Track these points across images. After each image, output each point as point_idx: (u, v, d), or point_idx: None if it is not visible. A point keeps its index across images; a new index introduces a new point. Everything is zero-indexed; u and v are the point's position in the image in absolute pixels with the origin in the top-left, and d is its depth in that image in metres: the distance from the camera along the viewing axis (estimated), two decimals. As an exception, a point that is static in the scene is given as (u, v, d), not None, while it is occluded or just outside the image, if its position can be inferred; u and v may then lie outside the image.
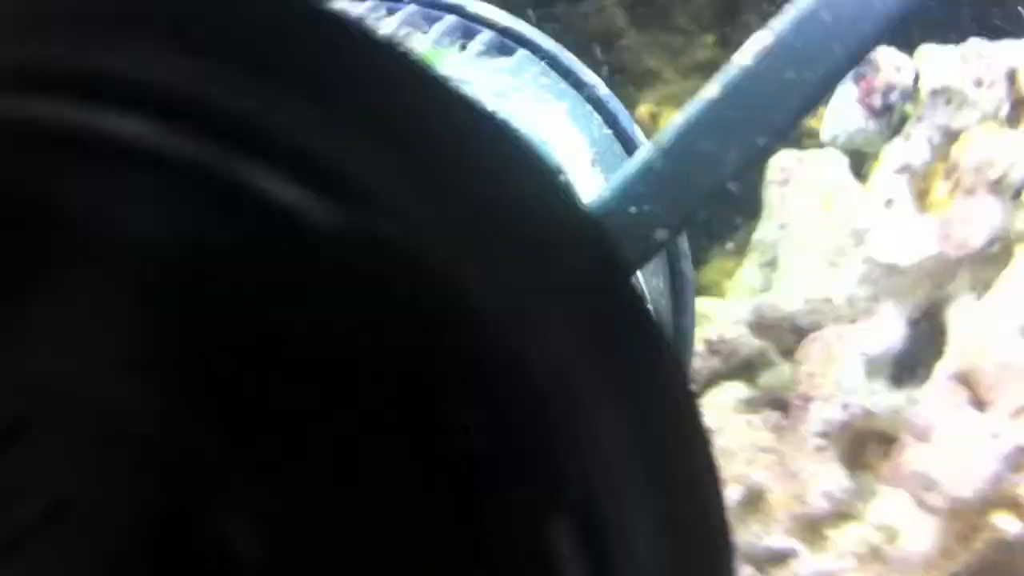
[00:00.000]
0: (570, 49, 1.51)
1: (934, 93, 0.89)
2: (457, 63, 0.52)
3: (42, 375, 0.23)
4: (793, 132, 0.89)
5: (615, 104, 0.56)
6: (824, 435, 0.85)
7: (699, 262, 1.02)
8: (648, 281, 0.46)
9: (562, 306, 0.22)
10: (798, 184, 0.95)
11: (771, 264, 0.96)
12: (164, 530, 0.23)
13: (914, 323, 0.87)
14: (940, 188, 0.89)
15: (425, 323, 0.22)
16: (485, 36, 0.54)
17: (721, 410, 0.88)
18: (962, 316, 0.85)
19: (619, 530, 0.22)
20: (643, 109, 1.41)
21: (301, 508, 0.23)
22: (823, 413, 0.86)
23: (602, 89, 0.57)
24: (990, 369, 0.81)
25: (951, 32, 0.92)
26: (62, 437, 0.23)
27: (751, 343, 0.91)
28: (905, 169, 0.89)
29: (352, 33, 0.21)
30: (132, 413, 0.23)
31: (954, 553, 0.81)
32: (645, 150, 0.37)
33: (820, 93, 0.39)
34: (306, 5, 0.21)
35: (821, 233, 0.92)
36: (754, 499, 0.85)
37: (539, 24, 1.47)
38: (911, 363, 0.87)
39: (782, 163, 0.96)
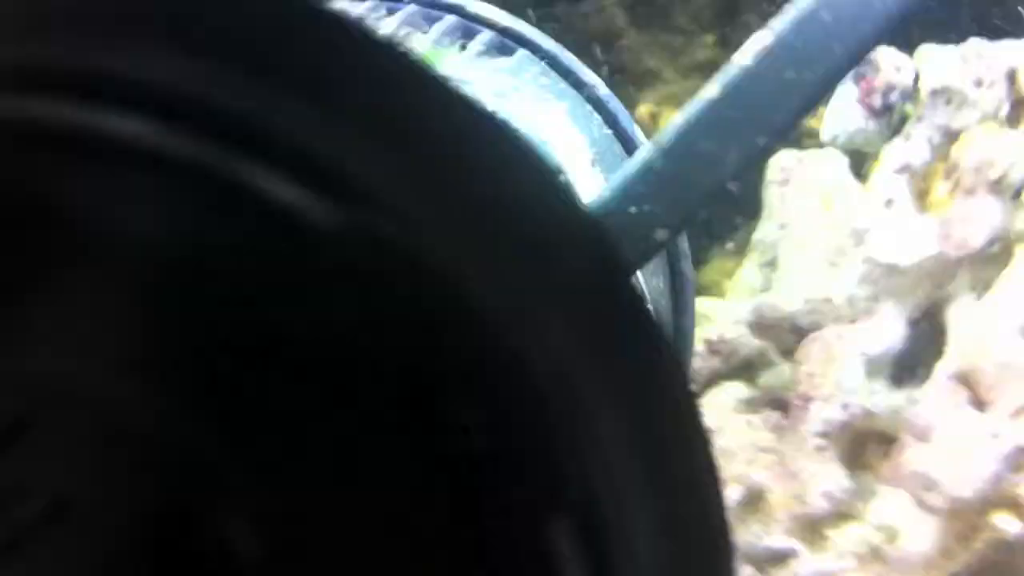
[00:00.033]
0: (570, 49, 1.51)
1: (934, 93, 0.89)
2: (457, 63, 0.52)
3: (42, 375, 0.23)
4: (793, 132, 0.89)
5: (615, 104, 0.56)
6: (824, 435, 0.85)
7: (699, 262, 1.02)
8: (648, 281, 0.46)
9: (562, 306, 0.22)
10: (798, 184, 0.95)
11: (771, 264, 0.96)
12: (164, 530, 0.23)
13: (914, 323, 0.87)
14: (940, 188, 0.89)
15: (425, 323, 0.22)
16: (485, 36, 0.54)
17: (721, 410, 0.88)
18: (962, 316, 0.85)
19: (619, 530, 0.22)
20: (643, 109, 1.41)
21: (301, 508, 0.23)
22: (823, 413, 0.86)
23: (602, 89, 0.57)
24: (990, 369, 0.81)
25: (951, 32, 0.92)
26: (62, 437, 0.23)
27: (751, 343, 0.91)
28: (905, 169, 0.89)
29: (352, 33, 0.21)
30: (132, 413, 0.23)
31: (954, 553, 0.81)
32: (645, 150, 0.37)
33: (820, 93, 0.39)
34: (306, 5, 0.21)
35: (821, 233, 0.92)
36: (754, 499, 0.85)
37: (539, 24, 1.46)
38: (911, 363, 0.87)
39: (782, 163, 0.96)
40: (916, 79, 0.91)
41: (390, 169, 0.22)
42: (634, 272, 0.39)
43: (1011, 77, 0.88)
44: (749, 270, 0.97)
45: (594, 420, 0.22)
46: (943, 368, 0.84)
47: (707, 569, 0.22)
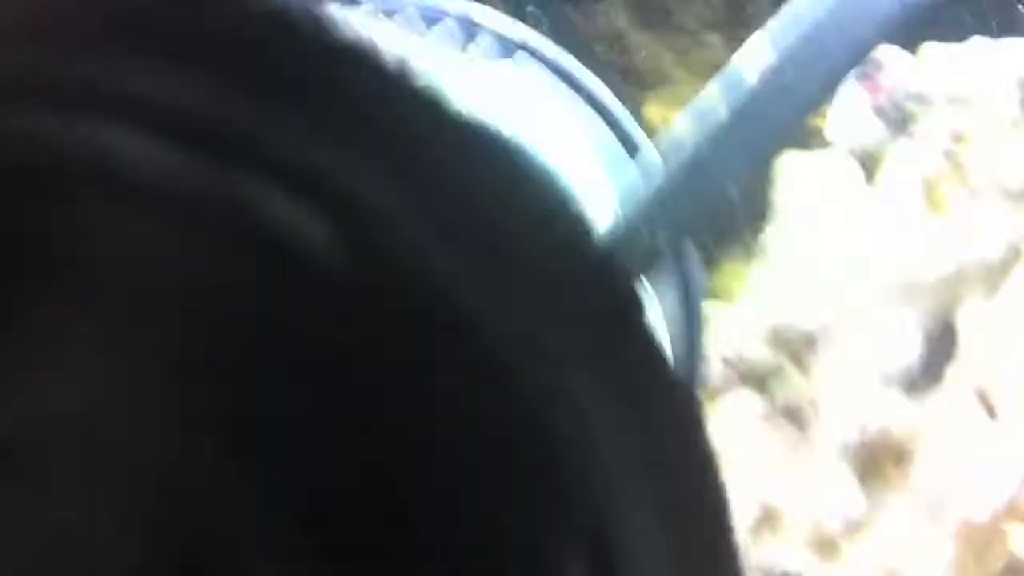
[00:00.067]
0: (576, 50, 1.51)
1: (941, 93, 0.89)
2: (458, 66, 0.52)
3: (41, 408, 0.23)
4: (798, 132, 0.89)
5: (617, 106, 0.56)
6: (837, 447, 0.85)
7: (709, 265, 1.01)
8: (660, 297, 0.46)
9: (576, 344, 0.22)
10: (807, 186, 0.94)
11: (782, 269, 0.95)
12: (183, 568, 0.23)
13: (928, 332, 0.86)
14: (949, 191, 0.88)
15: (435, 363, 0.22)
16: (485, 39, 0.55)
17: (733, 421, 0.87)
18: (976, 325, 0.84)
19: (630, 557, 0.22)
20: (651, 110, 1.40)
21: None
22: (836, 424, 0.85)
23: (604, 91, 0.57)
24: (1005, 379, 0.81)
25: (958, 30, 0.92)
26: (65, 467, 0.23)
27: (763, 352, 0.90)
28: (913, 171, 0.88)
29: (361, 58, 0.21)
30: (144, 448, 0.23)
31: (969, 569, 0.80)
32: (653, 172, 0.37)
33: (822, 95, 0.39)
34: (316, 31, 0.21)
35: (831, 237, 0.91)
36: (767, 514, 0.85)
37: (544, 25, 1.46)
38: (926, 373, 0.86)
39: (790, 164, 0.96)
40: (923, 79, 0.90)
41: (402, 203, 0.22)
42: (645, 303, 0.39)
43: (1020, 77, 0.87)
44: (760, 275, 0.97)
45: (604, 451, 0.22)
46: (958, 378, 0.83)
47: None
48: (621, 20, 1.49)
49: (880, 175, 0.91)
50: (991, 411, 0.81)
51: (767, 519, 0.85)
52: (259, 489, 0.22)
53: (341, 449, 0.23)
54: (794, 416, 0.87)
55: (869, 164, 0.93)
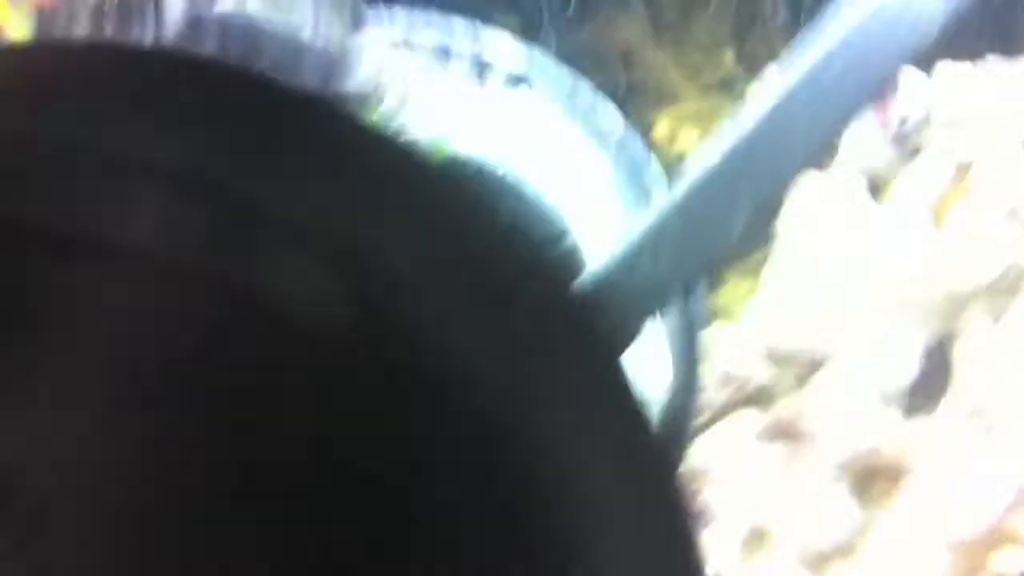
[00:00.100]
0: (588, 66, 1.51)
1: (951, 115, 0.89)
2: (475, 97, 0.53)
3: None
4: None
5: (630, 133, 0.56)
6: (835, 466, 0.85)
7: (712, 284, 1.02)
8: (662, 330, 0.47)
9: (549, 389, 0.23)
10: (814, 206, 0.95)
11: (785, 288, 0.96)
12: None
13: (928, 352, 0.87)
14: (956, 213, 0.89)
15: (430, 423, 0.23)
16: (502, 68, 0.55)
17: (733, 440, 0.88)
18: (976, 346, 0.85)
19: None
20: (661, 127, 1.41)
21: None
22: (834, 445, 0.86)
23: (617, 118, 0.58)
24: (1001, 401, 0.82)
25: (968, 49, 0.92)
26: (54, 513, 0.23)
27: (763, 371, 0.91)
28: (921, 192, 0.89)
29: (340, 120, 0.22)
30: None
31: (962, 588, 0.81)
32: (654, 210, 0.37)
33: (828, 139, 0.39)
34: (296, 92, 0.22)
35: (836, 258, 0.92)
36: (762, 531, 0.86)
37: (557, 42, 1.46)
38: (924, 393, 0.87)
39: (798, 184, 0.96)
40: (933, 100, 0.91)
41: (400, 262, 0.22)
42: (628, 346, 0.39)
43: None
44: (763, 294, 0.97)
45: (586, 502, 0.23)
46: (956, 399, 0.84)
47: None
48: (632, 36, 1.50)
49: (888, 195, 0.92)
50: (988, 432, 0.82)
51: (761, 536, 0.85)
52: (256, 544, 0.23)
53: (335, 512, 0.23)
54: (791, 434, 0.88)
55: (878, 184, 0.94)
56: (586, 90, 0.54)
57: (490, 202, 0.22)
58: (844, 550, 0.84)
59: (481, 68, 0.51)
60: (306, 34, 0.33)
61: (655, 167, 0.53)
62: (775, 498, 0.86)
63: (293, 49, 0.33)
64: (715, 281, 1.04)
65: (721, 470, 0.85)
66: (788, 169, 0.37)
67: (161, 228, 0.22)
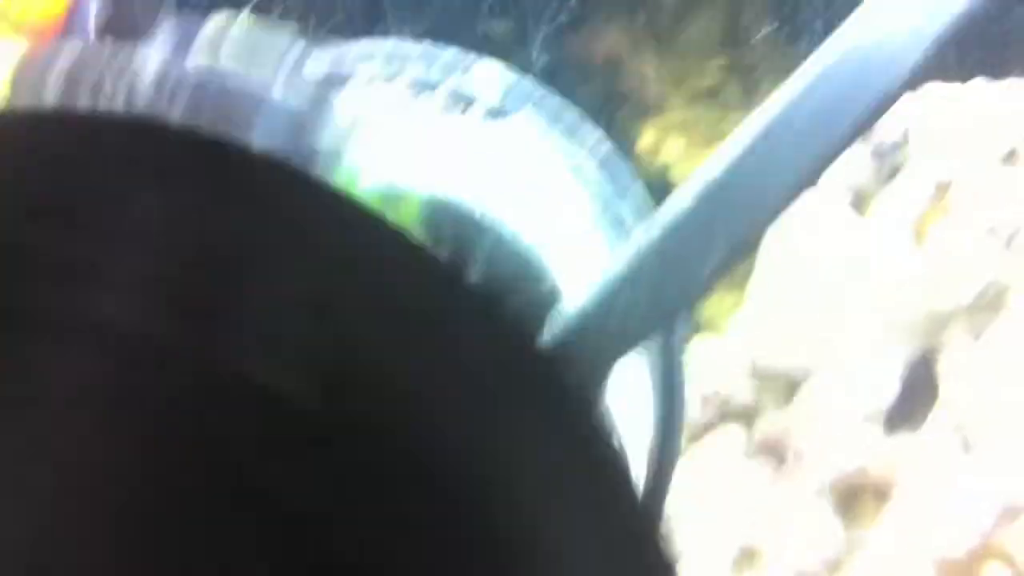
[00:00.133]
0: (574, 77, 1.51)
1: (932, 134, 0.90)
2: (455, 132, 0.52)
3: None
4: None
5: (617, 161, 0.56)
6: (818, 483, 0.86)
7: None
8: (642, 367, 0.47)
9: (525, 459, 0.23)
10: (797, 222, 0.95)
11: (769, 305, 0.96)
12: None
13: (910, 370, 0.87)
14: (936, 232, 0.89)
15: (403, 498, 0.23)
16: (487, 97, 0.55)
17: (717, 458, 0.88)
18: (957, 363, 0.85)
19: None
20: (647, 138, 1.41)
21: None
22: (818, 462, 0.86)
23: (604, 146, 0.57)
24: (983, 418, 0.82)
25: (953, 71, 0.92)
26: None
27: (747, 389, 0.91)
28: (902, 211, 0.89)
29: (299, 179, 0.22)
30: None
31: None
32: (630, 250, 0.37)
33: (806, 178, 0.39)
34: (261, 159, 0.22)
35: (818, 273, 0.92)
36: (749, 550, 0.86)
37: (544, 53, 1.46)
38: (907, 410, 0.87)
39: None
40: (916, 119, 0.91)
41: (355, 337, 0.22)
42: (603, 386, 0.39)
43: (1009, 120, 0.88)
44: (747, 308, 0.98)
45: (558, 558, 0.23)
46: (938, 416, 0.84)
47: None
48: (619, 45, 1.50)
49: (871, 214, 0.92)
50: (970, 449, 0.82)
51: (747, 555, 0.86)
52: None
53: None
54: (775, 452, 0.88)
55: (860, 202, 0.94)
56: (570, 116, 0.54)
57: (453, 260, 0.22)
58: (831, 567, 0.84)
59: (462, 100, 0.51)
60: (277, 90, 0.33)
61: (640, 191, 0.53)
62: (763, 516, 0.86)
63: (263, 105, 0.33)
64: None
65: (708, 487, 0.85)
66: (763, 211, 0.37)
67: (122, 301, 0.22)
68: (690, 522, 0.85)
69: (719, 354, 0.92)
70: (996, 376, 0.83)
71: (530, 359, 0.23)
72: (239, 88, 0.32)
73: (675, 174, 1.40)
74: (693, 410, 0.88)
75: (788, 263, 0.95)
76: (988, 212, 0.86)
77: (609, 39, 1.50)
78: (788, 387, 0.90)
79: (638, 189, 0.55)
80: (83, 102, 0.26)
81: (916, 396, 0.87)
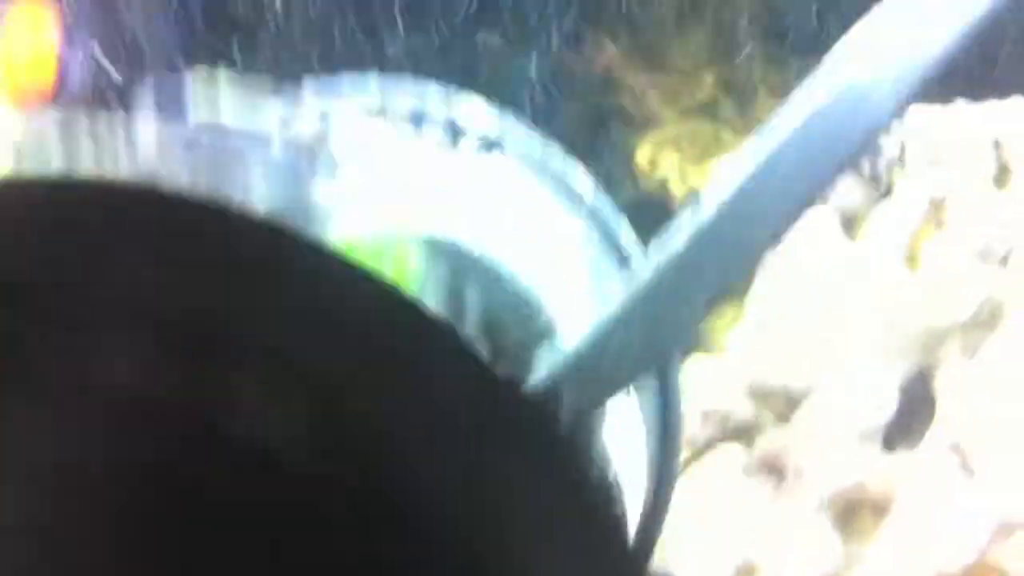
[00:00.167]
0: (569, 93, 1.51)
1: (922, 156, 0.90)
2: (449, 166, 0.53)
3: None
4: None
5: (602, 199, 0.56)
6: (817, 500, 0.86)
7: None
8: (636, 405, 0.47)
9: (516, 509, 0.23)
10: (791, 244, 0.96)
11: (767, 322, 0.96)
12: None
13: (906, 388, 0.88)
14: (929, 252, 0.89)
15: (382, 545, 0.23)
16: (476, 133, 0.55)
17: (716, 476, 0.89)
18: (953, 381, 0.86)
19: None
20: (642, 154, 1.42)
21: None
22: (816, 479, 0.86)
23: (589, 185, 0.58)
24: (980, 435, 0.82)
25: (940, 93, 0.93)
26: None
27: (745, 407, 0.92)
28: (894, 234, 0.90)
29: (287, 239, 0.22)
30: None
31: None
32: (623, 290, 0.38)
33: (792, 219, 0.39)
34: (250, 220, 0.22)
35: (813, 296, 0.93)
36: (748, 566, 0.86)
37: (540, 69, 1.46)
38: (903, 429, 0.87)
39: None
40: (904, 141, 0.92)
41: (333, 385, 0.23)
42: (592, 429, 0.40)
43: (997, 141, 0.89)
44: (744, 326, 0.98)
45: None
46: (934, 434, 0.85)
47: None
48: (612, 61, 1.51)
49: (863, 236, 0.93)
50: (966, 466, 0.82)
51: (747, 571, 0.86)
52: None
53: None
54: (775, 469, 0.89)
55: (851, 223, 0.95)
56: (557, 154, 0.55)
57: (445, 320, 0.22)
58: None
59: (455, 133, 0.52)
60: (276, 145, 0.34)
61: (627, 228, 0.53)
62: (762, 533, 0.86)
63: (261, 163, 0.33)
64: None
65: (707, 504, 0.86)
66: (752, 252, 0.37)
67: (116, 364, 0.22)
68: (690, 539, 0.85)
69: (718, 372, 0.93)
70: (993, 393, 0.84)
71: (515, 403, 0.23)
72: (237, 146, 0.32)
73: (672, 188, 1.40)
74: (692, 428, 0.89)
75: (786, 281, 0.95)
76: (982, 230, 0.87)
77: (604, 55, 1.50)
78: (787, 405, 0.90)
79: (624, 224, 0.56)
80: (83, 167, 0.26)
81: (914, 413, 0.87)
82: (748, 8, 1.44)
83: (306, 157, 0.36)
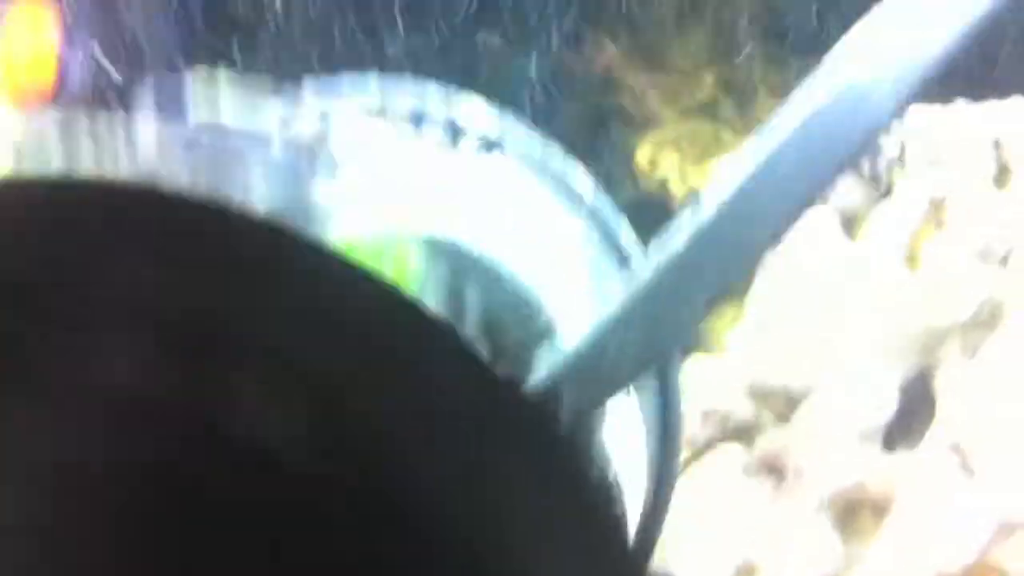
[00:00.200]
0: (569, 93, 1.51)
1: (922, 156, 0.90)
2: (450, 164, 0.53)
3: None
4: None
5: (602, 200, 0.56)
6: (818, 500, 0.86)
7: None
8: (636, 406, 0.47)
9: (516, 509, 0.23)
10: (791, 244, 0.96)
11: (765, 323, 0.96)
12: None
13: (906, 389, 0.88)
14: (929, 253, 0.90)
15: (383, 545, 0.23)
16: (476, 133, 0.55)
17: (717, 476, 0.89)
18: (953, 381, 0.86)
19: None
20: (643, 153, 1.42)
21: None
22: (817, 479, 0.86)
23: (589, 185, 0.58)
24: (980, 435, 0.82)
25: (940, 93, 0.93)
26: None
27: (746, 407, 0.92)
28: (894, 234, 0.90)
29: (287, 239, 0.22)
30: None
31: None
32: (622, 291, 0.38)
33: (791, 219, 0.39)
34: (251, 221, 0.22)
35: (813, 296, 0.93)
36: (748, 566, 0.86)
37: (540, 69, 1.46)
38: (903, 429, 0.87)
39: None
40: (904, 141, 0.92)
41: (333, 386, 0.23)
42: (592, 428, 0.40)
43: (997, 141, 0.89)
44: (744, 327, 0.98)
45: None
46: (934, 434, 0.85)
47: None
48: (612, 61, 1.51)
49: (863, 236, 0.93)
50: (966, 466, 0.82)
51: (747, 571, 0.86)
52: None
53: None
54: (775, 469, 0.89)
55: (851, 223, 0.95)
56: (557, 154, 0.55)
57: (445, 320, 0.22)
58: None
59: (455, 133, 0.52)
60: (276, 145, 0.34)
61: (627, 228, 0.53)
62: (762, 533, 0.86)
63: (261, 162, 0.33)
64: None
65: (707, 504, 0.86)
66: (751, 253, 0.37)
67: (117, 363, 0.22)
68: (690, 539, 0.85)
69: (718, 372, 0.93)
70: (993, 393, 0.84)
71: (515, 403, 0.24)
72: (237, 146, 0.33)
73: (672, 188, 1.41)
74: (692, 428, 0.89)
75: (786, 281, 0.96)
76: (982, 230, 0.87)
77: (604, 55, 1.51)
78: (787, 405, 0.90)
79: (624, 224, 0.56)
80: (83, 167, 0.26)
81: (914, 413, 0.87)
82: (748, 8, 1.44)
83: (306, 157, 0.36)
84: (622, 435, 0.42)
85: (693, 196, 0.39)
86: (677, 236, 0.36)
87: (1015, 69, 0.99)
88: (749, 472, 0.89)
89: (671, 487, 0.43)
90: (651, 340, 0.37)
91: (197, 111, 0.34)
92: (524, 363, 0.34)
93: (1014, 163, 0.89)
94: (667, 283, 0.36)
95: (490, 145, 0.52)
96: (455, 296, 0.35)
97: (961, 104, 0.91)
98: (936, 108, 0.91)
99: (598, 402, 0.37)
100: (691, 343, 0.91)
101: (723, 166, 0.38)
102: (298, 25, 1.29)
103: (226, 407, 0.23)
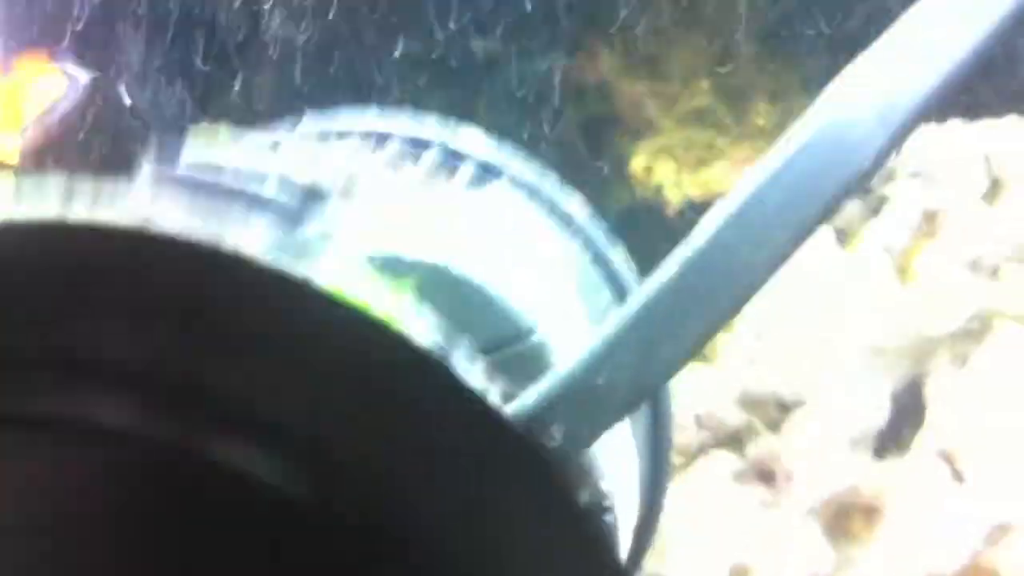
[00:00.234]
0: (565, 99, 1.50)
1: (914, 172, 0.92)
2: (445, 196, 0.53)
3: None
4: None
5: (595, 228, 0.56)
6: (809, 507, 0.87)
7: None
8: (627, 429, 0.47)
9: (515, 533, 0.24)
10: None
11: (758, 331, 0.97)
12: None
13: (897, 397, 0.89)
14: (920, 265, 0.91)
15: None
16: (469, 166, 0.55)
17: (709, 482, 0.90)
18: (943, 390, 0.87)
19: None
20: (637, 162, 1.42)
21: None
22: (808, 485, 0.87)
23: (583, 213, 0.57)
24: (970, 443, 0.83)
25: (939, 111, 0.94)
26: None
27: (737, 414, 0.93)
28: (886, 246, 0.91)
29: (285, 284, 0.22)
30: None
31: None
32: (612, 320, 0.38)
33: (784, 253, 0.39)
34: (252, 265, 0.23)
35: (806, 305, 0.94)
36: (740, 571, 0.87)
37: (536, 77, 1.46)
38: (894, 436, 0.88)
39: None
40: (896, 158, 0.93)
41: (333, 423, 0.23)
42: (581, 457, 0.40)
43: (987, 157, 0.90)
44: (737, 337, 0.99)
45: None
46: (924, 442, 0.86)
47: None
48: (608, 68, 1.51)
49: (855, 250, 0.94)
50: (956, 473, 0.83)
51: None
52: None
53: None
54: (766, 476, 0.90)
55: (844, 235, 0.96)
56: (551, 180, 0.55)
57: (440, 355, 0.23)
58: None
59: (451, 162, 0.52)
60: (270, 183, 0.34)
61: (621, 251, 0.54)
62: (753, 539, 0.87)
63: (256, 204, 0.33)
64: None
65: (699, 510, 0.87)
66: (748, 281, 0.37)
67: (116, 401, 0.23)
68: (682, 544, 0.86)
69: (711, 380, 0.94)
70: (982, 401, 0.85)
71: (512, 435, 0.24)
72: (232, 187, 0.33)
73: (668, 195, 1.41)
74: (685, 434, 0.90)
75: (779, 290, 0.96)
76: (973, 243, 0.88)
77: (600, 62, 1.51)
78: (778, 412, 0.91)
79: (619, 250, 0.56)
80: (81, 209, 0.27)
81: (904, 421, 0.88)
82: (745, 15, 1.45)
83: (302, 191, 0.37)
84: (613, 454, 0.42)
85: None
86: (672, 262, 0.36)
87: (1008, 89, 1.00)
88: (741, 478, 0.90)
89: (660, 505, 0.44)
90: (645, 369, 0.37)
91: (191, 149, 0.34)
92: (517, 387, 0.34)
93: (1005, 179, 0.90)
94: (662, 311, 0.35)
95: (485, 173, 0.52)
96: (450, 322, 0.36)
97: (956, 123, 0.92)
98: (931, 127, 0.92)
99: (595, 428, 0.37)
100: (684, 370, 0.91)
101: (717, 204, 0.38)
102: (294, 54, 1.29)
103: (223, 454, 0.23)
